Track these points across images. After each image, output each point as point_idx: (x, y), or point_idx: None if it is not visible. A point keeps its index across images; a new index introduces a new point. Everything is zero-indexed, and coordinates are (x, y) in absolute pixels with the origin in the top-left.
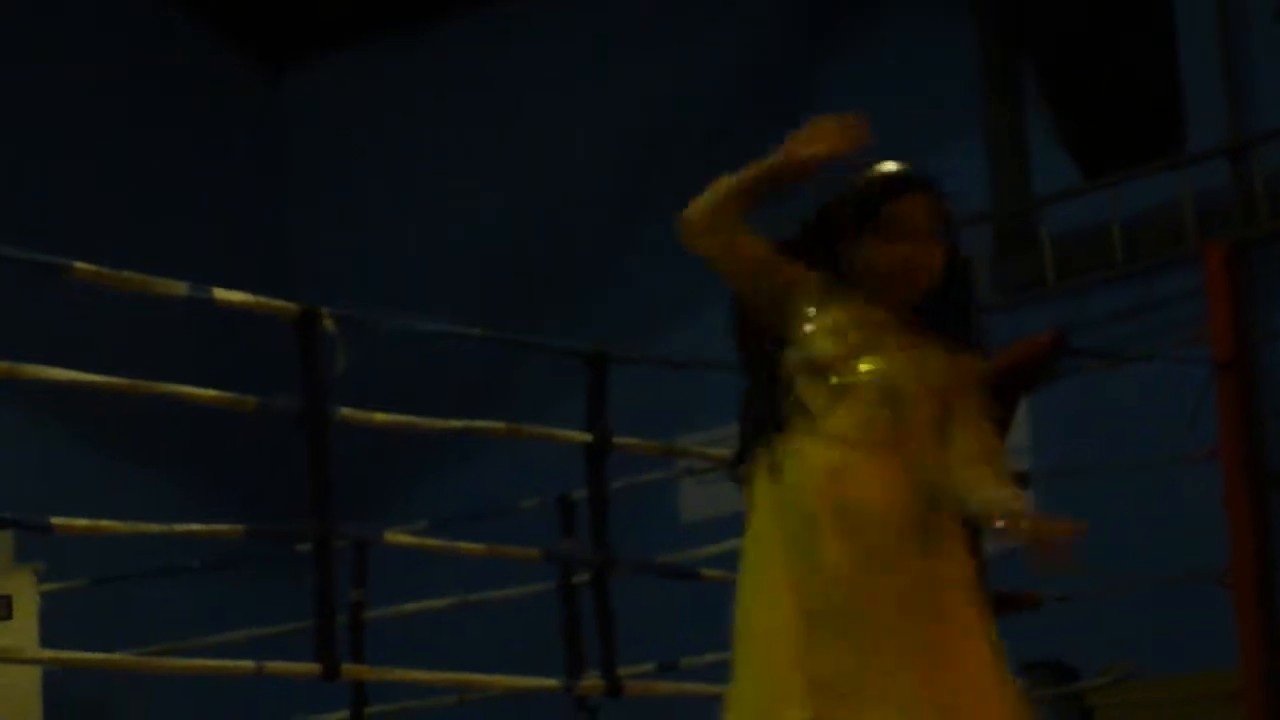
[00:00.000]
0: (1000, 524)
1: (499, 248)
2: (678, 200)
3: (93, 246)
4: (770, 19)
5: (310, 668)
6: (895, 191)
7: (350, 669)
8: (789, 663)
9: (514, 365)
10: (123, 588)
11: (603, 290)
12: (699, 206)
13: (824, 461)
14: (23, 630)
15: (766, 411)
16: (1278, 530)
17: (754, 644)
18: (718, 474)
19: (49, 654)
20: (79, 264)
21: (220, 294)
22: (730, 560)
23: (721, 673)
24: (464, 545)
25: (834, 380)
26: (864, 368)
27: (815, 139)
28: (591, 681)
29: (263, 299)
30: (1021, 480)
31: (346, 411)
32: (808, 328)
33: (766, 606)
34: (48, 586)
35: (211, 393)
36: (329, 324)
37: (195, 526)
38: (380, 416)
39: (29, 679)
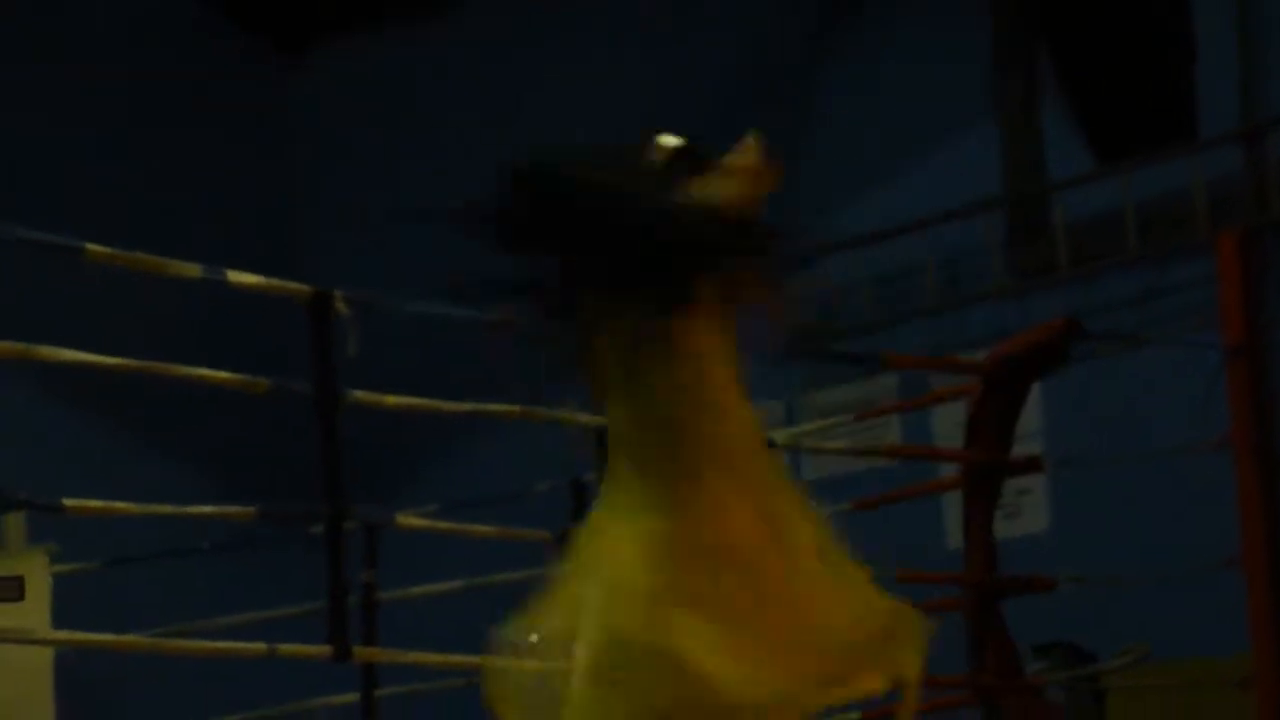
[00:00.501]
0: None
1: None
2: None
3: (104, 230)
4: (783, 4)
5: (322, 649)
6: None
7: (361, 651)
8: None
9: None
10: (135, 569)
11: None
12: None
13: None
14: (35, 611)
15: None
16: None
17: None
18: None
19: (61, 635)
20: (92, 246)
21: (234, 276)
22: None
23: None
24: (475, 528)
25: None
26: None
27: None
28: None
29: (276, 281)
30: (1034, 464)
31: (358, 394)
32: None
33: None
34: (60, 568)
35: (224, 375)
36: (342, 307)
37: (207, 508)
38: (392, 399)
39: (41, 660)
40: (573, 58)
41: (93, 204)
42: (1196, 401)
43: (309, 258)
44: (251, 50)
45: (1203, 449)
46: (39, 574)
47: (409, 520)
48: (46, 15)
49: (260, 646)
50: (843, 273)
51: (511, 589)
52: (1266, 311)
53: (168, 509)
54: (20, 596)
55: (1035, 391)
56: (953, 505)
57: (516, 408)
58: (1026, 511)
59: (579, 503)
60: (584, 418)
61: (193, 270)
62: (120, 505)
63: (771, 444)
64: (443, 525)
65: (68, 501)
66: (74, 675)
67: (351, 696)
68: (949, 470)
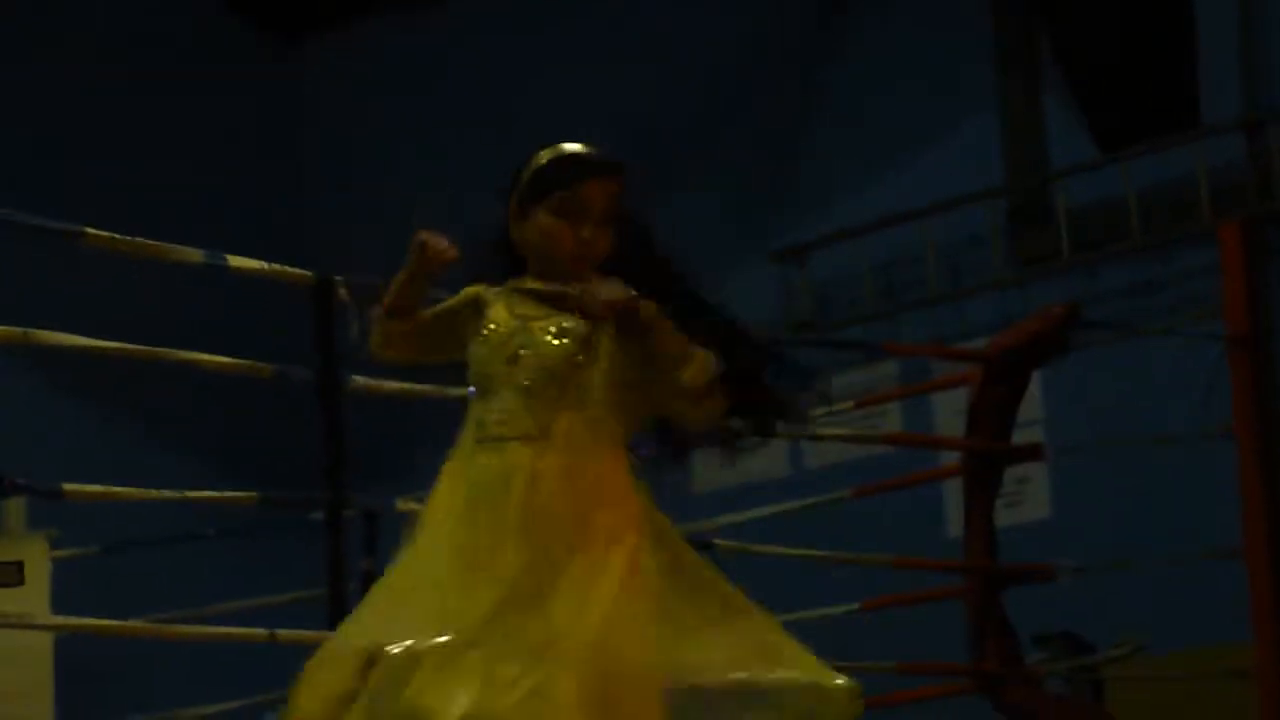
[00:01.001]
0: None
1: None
2: (690, 169)
3: (106, 219)
4: None
5: (322, 635)
6: (582, 173)
7: None
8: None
9: None
10: (135, 555)
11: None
12: (374, 340)
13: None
14: (35, 596)
15: None
16: None
17: None
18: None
19: (61, 620)
20: (92, 230)
21: (235, 261)
22: (743, 530)
23: None
24: None
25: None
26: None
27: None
28: None
29: (278, 267)
30: (1035, 453)
31: (360, 380)
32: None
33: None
34: (60, 553)
35: (227, 360)
36: (344, 293)
37: (208, 494)
38: (393, 385)
39: (41, 645)
40: (574, 45)
41: (92, 194)
42: (1198, 391)
43: (319, 241)
44: (252, 38)
45: (1204, 438)
46: (38, 559)
47: (409, 506)
48: (47, 7)
49: (260, 632)
50: (844, 262)
51: None
52: (1269, 301)
53: (168, 494)
54: (20, 581)
55: (1036, 380)
56: (953, 493)
57: None
58: (1027, 500)
59: None
60: None
61: (194, 256)
62: (120, 490)
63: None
64: None
65: (67, 486)
66: (74, 660)
67: None
68: (949, 458)
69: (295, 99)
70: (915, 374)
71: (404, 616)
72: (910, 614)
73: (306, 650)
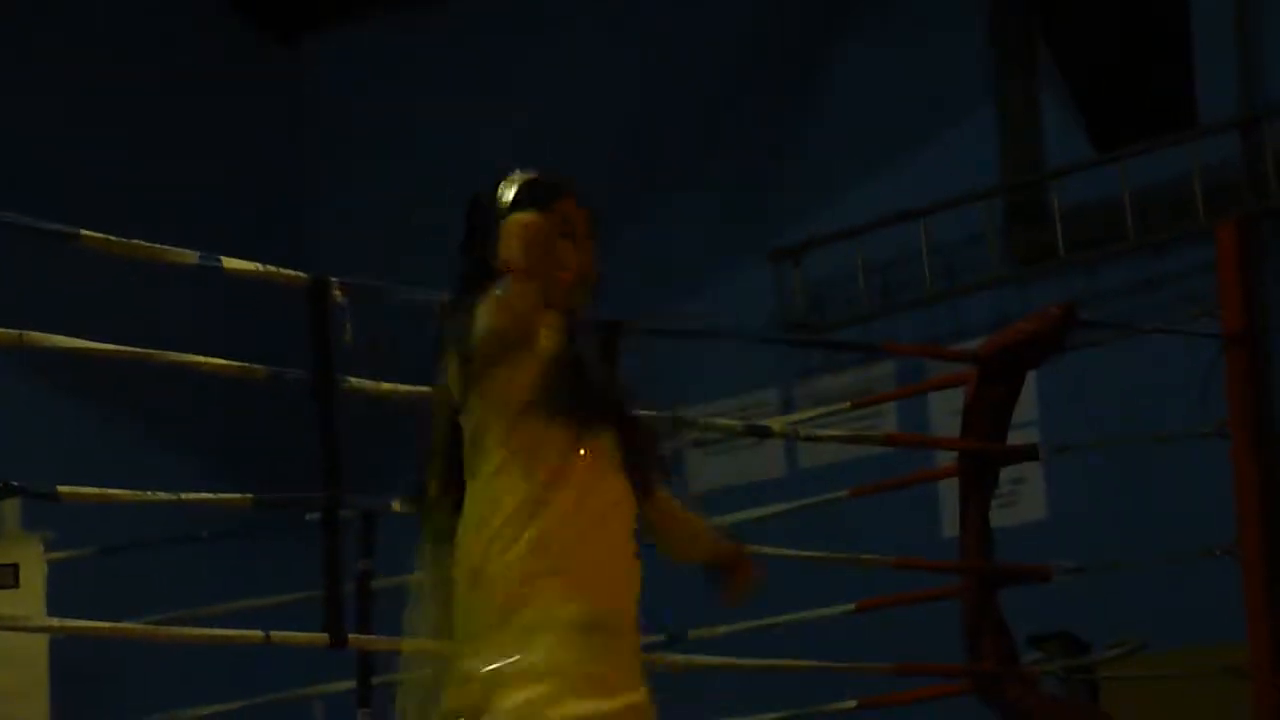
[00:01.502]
0: None
1: None
2: (687, 168)
3: (102, 222)
4: None
5: (318, 637)
6: (558, 192)
7: (358, 638)
8: None
9: None
10: (130, 557)
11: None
12: (508, 320)
13: None
14: (30, 598)
15: None
16: None
17: None
18: (725, 444)
19: (56, 622)
20: (86, 231)
21: (230, 263)
22: (739, 530)
23: (731, 644)
24: None
25: None
26: None
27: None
28: None
29: (272, 268)
30: (1031, 453)
31: (356, 381)
32: None
33: None
34: (55, 555)
35: (222, 362)
36: (338, 294)
37: (204, 495)
38: (389, 386)
39: (36, 647)
40: (574, 45)
41: (92, 194)
42: (1194, 390)
43: (311, 245)
44: (252, 38)
45: (1200, 437)
46: (34, 561)
47: (405, 508)
48: (47, 7)
49: (256, 634)
50: (841, 261)
51: None
52: (1265, 299)
53: (163, 496)
54: (15, 584)
55: (1031, 380)
56: (949, 494)
57: None
58: (1023, 500)
59: None
60: None
61: (189, 257)
62: (116, 492)
63: (768, 432)
64: None
65: (63, 488)
66: (69, 663)
67: (348, 684)
68: (946, 458)
69: (295, 99)
70: (911, 374)
71: None
72: (906, 614)
73: (302, 653)
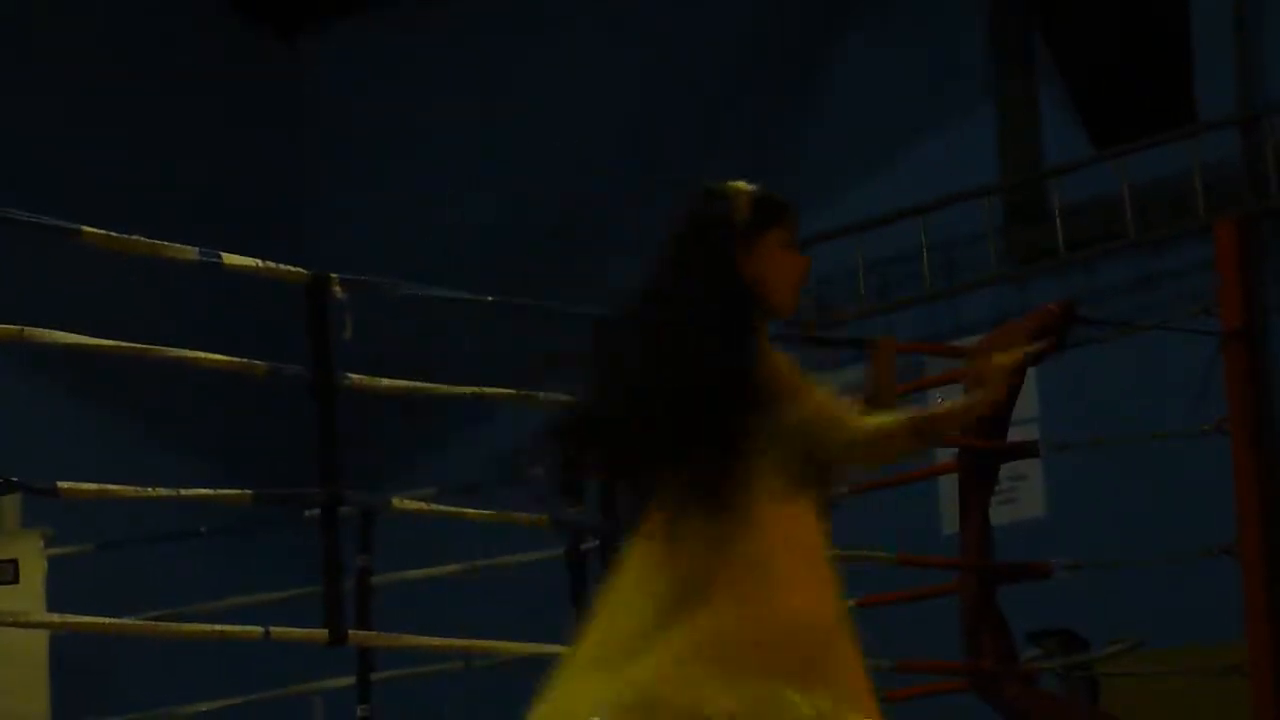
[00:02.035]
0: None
1: (509, 217)
2: (687, 166)
3: (103, 218)
4: None
5: (317, 633)
6: (788, 207)
7: (357, 635)
8: None
9: (524, 332)
10: (130, 553)
11: (614, 259)
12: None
13: None
14: (29, 594)
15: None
16: None
17: None
18: None
19: (56, 618)
20: (87, 228)
21: (230, 259)
22: None
23: None
24: (471, 511)
25: None
26: None
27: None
28: None
29: (272, 265)
30: (1030, 450)
31: (356, 377)
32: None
33: None
34: (55, 551)
35: (222, 358)
36: (338, 290)
37: (203, 491)
38: (388, 382)
39: (36, 643)
40: (574, 45)
41: (92, 192)
42: (1194, 387)
43: (311, 243)
44: (252, 37)
45: (1200, 434)
46: (34, 557)
47: (405, 504)
48: (47, 7)
49: (256, 630)
50: (840, 258)
51: (507, 573)
52: (1264, 297)
53: (163, 492)
54: (15, 579)
55: (1031, 376)
56: (949, 491)
57: (514, 391)
58: (1022, 497)
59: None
60: None
61: (189, 254)
62: (115, 488)
63: None
64: (439, 509)
65: (62, 484)
66: (69, 659)
67: (347, 680)
68: (945, 455)
69: (295, 98)
70: (911, 371)
71: None
72: (906, 612)
73: (302, 649)
